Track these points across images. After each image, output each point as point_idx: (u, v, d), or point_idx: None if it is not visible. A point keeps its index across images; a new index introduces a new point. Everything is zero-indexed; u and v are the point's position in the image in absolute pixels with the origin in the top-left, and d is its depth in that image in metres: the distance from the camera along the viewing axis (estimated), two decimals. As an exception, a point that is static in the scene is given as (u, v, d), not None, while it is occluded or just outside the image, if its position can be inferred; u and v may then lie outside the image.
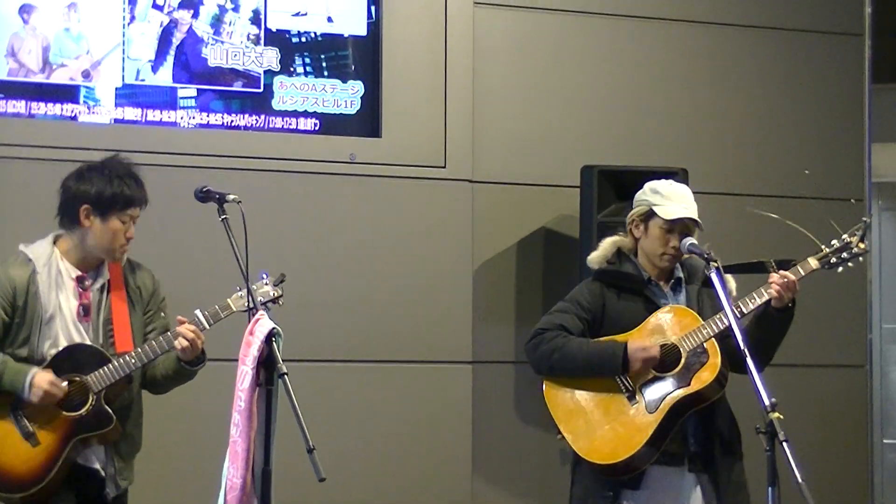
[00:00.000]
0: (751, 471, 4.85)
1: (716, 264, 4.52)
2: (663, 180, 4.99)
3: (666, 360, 4.78)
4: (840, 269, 4.89)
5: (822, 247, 4.89)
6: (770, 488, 4.06)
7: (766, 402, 4.06)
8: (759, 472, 4.19)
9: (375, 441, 6.48)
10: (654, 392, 4.77)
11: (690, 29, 7.15)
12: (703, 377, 4.74)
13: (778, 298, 4.77)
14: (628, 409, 4.79)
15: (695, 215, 4.86)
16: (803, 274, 4.84)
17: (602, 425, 4.81)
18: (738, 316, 4.63)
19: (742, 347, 4.24)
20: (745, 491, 4.84)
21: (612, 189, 6.41)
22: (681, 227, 4.85)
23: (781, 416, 4.03)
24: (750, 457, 4.87)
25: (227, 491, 4.18)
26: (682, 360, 4.75)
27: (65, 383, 4.54)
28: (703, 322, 4.78)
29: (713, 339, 4.75)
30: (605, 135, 6.95)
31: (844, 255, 4.87)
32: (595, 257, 5.01)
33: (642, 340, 4.80)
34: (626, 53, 7.06)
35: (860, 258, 4.89)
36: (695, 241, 4.77)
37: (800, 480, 3.87)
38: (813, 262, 4.87)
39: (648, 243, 4.92)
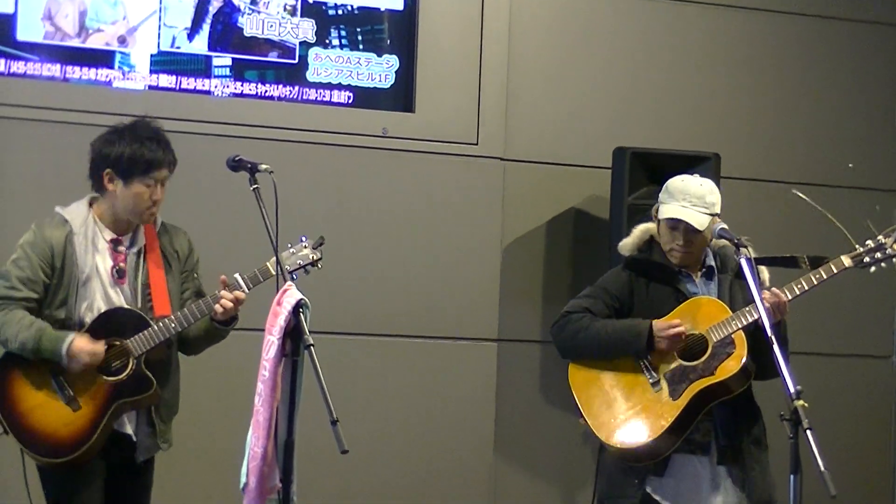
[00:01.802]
0: (773, 459, 4.84)
1: (746, 250, 4.47)
2: (681, 176, 4.90)
3: (693, 350, 4.76)
4: (873, 269, 4.82)
5: (857, 246, 4.81)
6: (792, 476, 4.04)
7: (792, 390, 4.04)
8: (782, 460, 4.18)
9: (398, 415, 6.49)
10: (679, 380, 4.74)
11: (728, 13, 7.11)
12: (729, 367, 4.71)
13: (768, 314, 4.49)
14: (651, 396, 4.77)
15: (690, 217, 4.74)
16: (835, 271, 4.77)
17: (625, 410, 4.79)
18: (767, 307, 4.56)
19: (769, 335, 4.22)
20: (772, 482, 4.81)
21: (643, 171, 6.38)
22: (685, 225, 4.79)
23: (806, 405, 4.02)
24: (772, 445, 4.85)
25: (250, 460, 4.20)
26: (709, 350, 4.73)
27: (103, 344, 4.53)
28: (732, 314, 4.74)
29: (741, 331, 4.71)
30: (638, 116, 6.93)
31: (878, 255, 4.80)
32: (626, 245, 4.98)
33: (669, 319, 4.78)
34: (663, 36, 7.02)
35: (894, 260, 4.83)
36: (725, 226, 4.68)
37: (822, 469, 3.85)
38: (846, 261, 4.79)
39: (661, 239, 4.90)
